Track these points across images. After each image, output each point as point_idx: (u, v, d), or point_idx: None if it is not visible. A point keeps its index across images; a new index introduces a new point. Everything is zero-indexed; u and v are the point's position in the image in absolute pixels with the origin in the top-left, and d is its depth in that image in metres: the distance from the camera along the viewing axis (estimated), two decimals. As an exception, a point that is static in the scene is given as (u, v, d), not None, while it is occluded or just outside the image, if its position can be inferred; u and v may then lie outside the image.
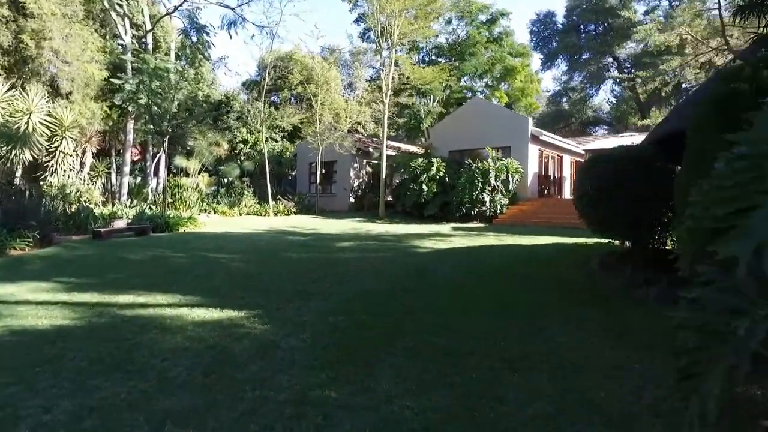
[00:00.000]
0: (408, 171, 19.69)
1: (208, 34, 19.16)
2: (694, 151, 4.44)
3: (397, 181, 22.73)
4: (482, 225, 17.54)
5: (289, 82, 27.87)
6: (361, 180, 24.40)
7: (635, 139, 21.41)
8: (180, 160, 19.15)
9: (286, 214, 21.01)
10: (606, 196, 6.71)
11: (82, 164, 17.39)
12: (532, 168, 19.83)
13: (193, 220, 14.58)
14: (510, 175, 18.45)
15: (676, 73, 37.98)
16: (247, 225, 15.94)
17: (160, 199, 14.72)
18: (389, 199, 22.17)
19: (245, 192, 22.03)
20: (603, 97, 45.37)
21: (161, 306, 5.33)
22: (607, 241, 12.56)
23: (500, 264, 8.68)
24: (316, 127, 22.08)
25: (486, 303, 5.70)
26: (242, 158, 26.42)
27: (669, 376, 3.41)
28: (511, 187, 18.60)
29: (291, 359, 3.79)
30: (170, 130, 14.88)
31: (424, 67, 20.52)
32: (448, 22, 27.71)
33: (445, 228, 16.20)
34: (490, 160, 18.57)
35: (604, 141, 23.30)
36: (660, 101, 39.62)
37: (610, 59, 40.24)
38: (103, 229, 11.44)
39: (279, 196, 22.44)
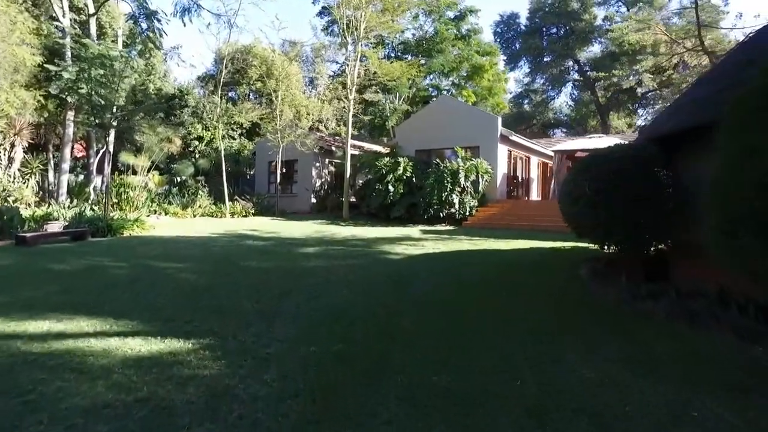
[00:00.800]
0: (373, 171, 18.85)
1: (159, 21, 17.69)
2: (738, 148, 3.78)
3: (361, 182, 21.87)
4: (451, 227, 16.91)
5: (248, 77, 26.53)
6: (323, 180, 23.38)
7: (605, 140, 21.35)
8: (127, 157, 17.59)
9: (243, 216, 19.75)
10: (606, 198, 6.07)
11: (10, 159, 15.61)
12: (501, 169, 19.38)
13: (141, 222, 13.22)
14: (480, 175, 17.90)
15: (633, 78, 38.85)
16: (201, 228, 14.67)
17: (104, 200, 13.25)
18: (353, 200, 21.28)
19: (200, 192, 20.62)
20: (564, 100, 46.04)
21: (85, 336, 4.24)
22: (585, 245, 12.20)
23: (483, 272, 7.96)
24: (276, 124, 20.92)
25: (481, 322, 4.91)
26: (197, 156, 24.88)
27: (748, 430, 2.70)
28: (480, 188, 18.06)
29: (252, 417, 2.85)
30: (115, 124, 13.42)
31: (392, 62, 19.70)
32: (415, 17, 27.05)
33: (413, 231, 15.44)
34: (459, 160, 17.97)
35: (573, 142, 23.19)
36: (618, 105, 40.49)
37: (572, 62, 40.74)
38: (29, 234, 9.97)
39: (236, 197, 21.14)
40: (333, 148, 22.96)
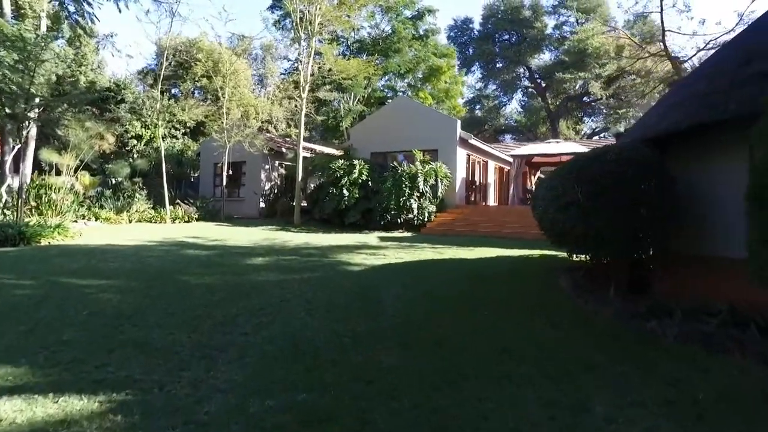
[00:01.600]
0: (327, 174, 17.85)
1: (89, 4, 15.98)
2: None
3: (314, 186, 20.81)
4: (410, 234, 16.17)
5: (193, 73, 24.84)
6: (273, 183, 22.11)
7: (562, 146, 21.36)
8: (49, 155, 15.68)
9: (186, 221, 18.20)
10: (601, 204, 5.43)
11: None
12: (460, 173, 18.88)
13: (63, 229, 11.61)
14: (439, 180, 17.29)
15: (581, 87, 39.87)
16: (137, 235, 13.17)
17: (18, 203, 11.57)
18: (305, 204, 20.17)
19: (137, 195, 18.85)
20: (515, 107, 46.66)
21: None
22: (553, 253, 11.74)
23: (456, 286, 7.20)
24: (222, 122, 19.50)
25: (474, 354, 4.10)
26: (135, 156, 22.97)
27: None
28: (439, 193, 17.45)
29: None
30: (32, 116, 11.75)
31: (348, 58, 18.76)
32: (371, 15, 26.25)
33: (371, 238, 14.57)
34: (418, 163, 17.29)
35: (531, 147, 23.13)
36: (567, 113, 41.41)
37: (523, 69, 41.30)
38: None
39: (178, 201, 19.51)
40: (284, 150, 21.75)
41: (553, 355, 4.12)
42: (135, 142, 23.24)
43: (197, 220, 18.44)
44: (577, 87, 40.03)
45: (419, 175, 16.85)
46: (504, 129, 46.42)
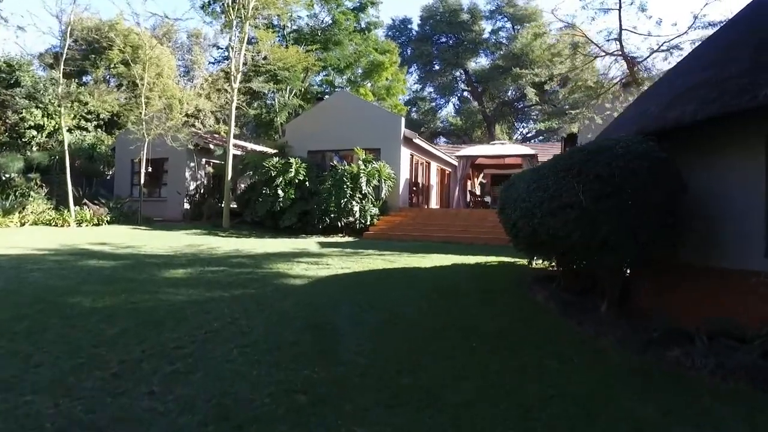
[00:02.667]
0: (260, 173, 16.25)
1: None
2: None
3: (245, 186, 19.10)
4: (352, 239, 14.97)
5: (108, 59, 22.20)
6: (199, 182, 20.07)
7: (508, 147, 20.99)
8: None
9: (95, 225, 15.87)
10: (610, 207, 4.52)
11: None
12: (404, 174, 17.92)
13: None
14: (382, 181, 16.22)
15: (514, 92, 40.55)
16: (26, 241, 11.01)
17: None
18: (235, 206, 18.41)
19: (32, 193, 16.24)
20: (451, 110, 46.66)
21: None
22: (511, 260, 10.99)
23: (422, 304, 6.10)
24: (141, 112, 17.30)
25: (486, 417, 2.98)
26: (33, 148, 20.05)
27: None
28: (383, 194, 16.38)
29: None
30: None
31: (286, 47, 17.16)
32: (310, 3, 24.61)
33: (310, 244, 13.22)
34: (360, 162, 16.14)
35: (477, 148, 22.67)
36: (502, 117, 41.97)
37: (461, 72, 41.33)
38: None
39: (86, 201, 17.05)
40: (212, 146, 19.79)
41: (593, 412, 3.10)
42: (34, 132, 20.30)
43: (109, 223, 16.15)
44: (508, 93, 40.69)
45: (362, 175, 15.70)
46: (440, 132, 46.34)
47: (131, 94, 17.93)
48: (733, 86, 4.39)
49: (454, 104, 45.60)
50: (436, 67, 40.46)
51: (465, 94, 43.10)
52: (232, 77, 16.28)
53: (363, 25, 26.19)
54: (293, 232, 15.95)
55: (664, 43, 11.13)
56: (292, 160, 16.24)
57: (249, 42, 17.49)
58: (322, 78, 26.79)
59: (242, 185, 19.88)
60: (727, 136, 4.82)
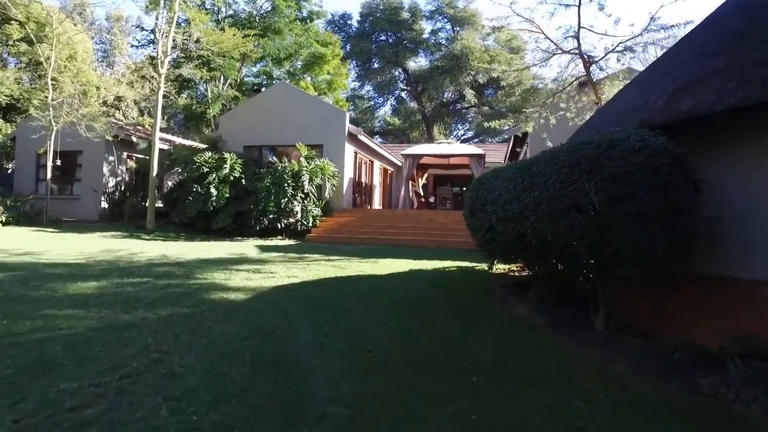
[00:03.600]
0: (190, 169, 14.68)
1: None
2: None
3: (172, 183, 17.37)
4: (293, 242, 13.82)
5: (5, 34, 19.45)
6: (120, 179, 18.00)
7: (455, 147, 20.53)
8: None
9: (-12, 225, 13.63)
10: (628, 211, 3.82)
11: None
12: (348, 172, 16.95)
13: None
14: (326, 179, 15.17)
15: (452, 93, 40.69)
16: None
17: None
18: (161, 205, 16.66)
19: None
20: (389, 109, 46.03)
21: None
22: (469, 264, 10.34)
23: (392, 323, 5.20)
24: (47, 96, 15.10)
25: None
26: None
27: None
28: (326, 194, 15.34)
29: None
30: None
31: (222, 30, 15.50)
32: (249, -12, 22.97)
33: (248, 247, 11.95)
34: (302, 159, 15.00)
35: (423, 147, 22.05)
36: (440, 118, 41.97)
37: (400, 71, 40.85)
38: None
39: (-22, 198, 14.65)
40: (134, 139, 17.80)
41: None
42: None
43: (4, 224, 13.92)
44: (446, 94, 40.78)
45: (304, 172, 14.58)
46: (378, 131, 45.69)
47: (34, 74, 15.60)
48: (758, 74, 3.85)
49: (392, 104, 45.09)
50: (375, 66, 39.74)
51: (404, 94, 42.68)
52: (159, 62, 14.57)
53: (305, 14, 24.79)
54: (228, 234, 14.55)
55: (620, 43, 10.93)
56: (226, 155, 14.81)
57: (178, 24, 15.80)
58: (260, 69, 25.14)
59: (170, 182, 18.09)
60: (735, 130, 4.32)
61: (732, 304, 4.42)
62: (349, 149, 17.04)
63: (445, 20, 38.68)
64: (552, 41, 11.34)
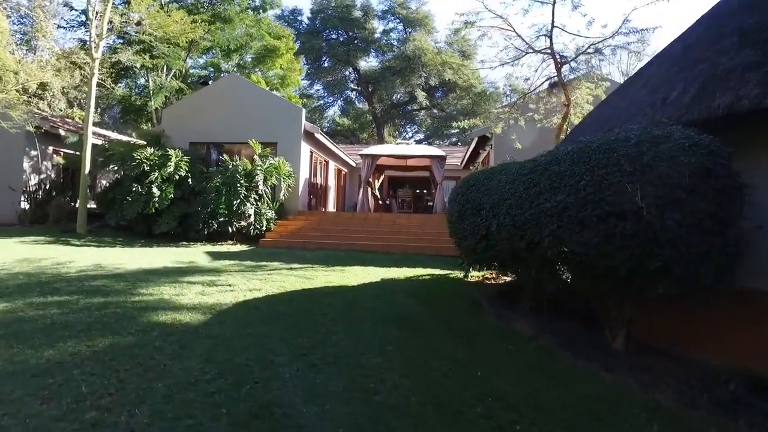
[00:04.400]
0: (129, 166, 13.16)
1: None
2: None
3: (107, 183, 15.69)
4: (247, 247, 12.65)
5: None
6: (44, 176, 16.01)
7: (414, 148, 19.87)
8: None
9: None
10: (683, 220, 3.19)
11: None
12: (304, 173, 15.91)
13: None
14: (282, 180, 14.08)
15: (402, 95, 40.27)
16: None
17: None
18: (93, 206, 14.97)
19: None
20: (339, 109, 44.86)
21: None
22: (442, 272, 9.65)
23: (383, 346, 4.38)
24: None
25: None
26: None
27: None
28: (282, 195, 14.25)
29: None
30: None
31: (168, 12, 13.92)
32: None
33: (197, 254, 10.72)
34: (256, 158, 13.84)
35: (384, 148, 21.27)
36: (391, 119, 41.43)
37: (351, 71, 39.93)
38: None
39: None
40: (62, 132, 15.90)
41: None
42: None
43: None
44: (400, 95, 40.33)
45: (258, 172, 13.43)
46: (327, 132, 44.47)
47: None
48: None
49: (341, 105, 44.00)
50: (326, 64, 38.61)
51: (354, 93, 41.77)
52: (92, 44, 12.94)
53: (257, 3, 23.24)
54: (172, 239, 13.17)
55: (591, 45, 10.65)
56: (171, 151, 13.42)
57: (116, 5, 14.18)
58: (207, 60, 23.38)
59: (104, 181, 16.35)
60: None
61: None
62: (305, 148, 16.01)
63: (398, 21, 38.20)
64: (524, 40, 10.91)
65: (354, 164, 22.89)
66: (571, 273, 4.52)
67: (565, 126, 11.89)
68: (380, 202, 20.14)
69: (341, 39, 38.74)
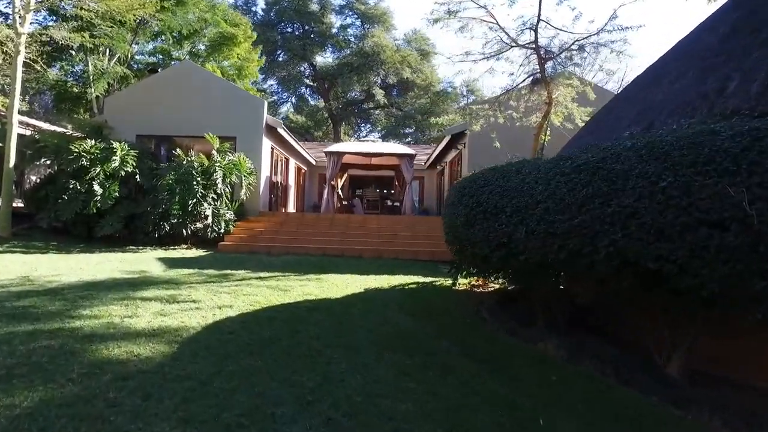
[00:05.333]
0: (65, 160, 11.53)
1: None
2: None
3: (38, 179, 13.92)
4: (204, 252, 11.38)
5: None
6: (-39, 171, 13.96)
7: (381, 146, 18.90)
8: None
9: None
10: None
11: None
12: (265, 170, 14.68)
13: None
14: (243, 178, 12.84)
15: (358, 93, 39.31)
16: None
17: None
18: (21, 205, 13.18)
19: None
20: (292, 105, 43.05)
21: None
22: (429, 279, 8.84)
23: (404, 383, 3.48)
24: None
25: None
26: None
27: None
28: (242, 195, 12.99)
29: None
30: None
31: None
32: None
33: (148, 261, 9.40)
34: (215, 153, 12.53)
35: (350, 145, 20.22)
36: (347, 117, 40.36)
37: (307, 66, 38.50)
38: None
39: None
40: (-18, 121, 13.92)
41: None
42: None
43: None
44: (356, 93, 39.35)
45: (217, 169, 12.14)
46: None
47: None
48: None
49: (292, 102, 42.23)
50: (281, 58, 36.99)
51: (309, 90, 40.24)
52: (17, 16, 11.19)
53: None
54: (117, 242, 11.71)
55: (575, 41, 10.14)
56: (116, 144, 11.89)
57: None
58: (156, 47, 21.35)
59: (34, 177, 14.50)
60: None
61: None
62: (267, 144, 14.78)
63: (355, 16, 37.13)
64: (507, 33, 10.27)
65: (314, 162, 21.75)
66: (626, 289, 3.78)
67: (545, 125, 11.38)
68: (344, 203, 19.11)
69: (297, 33, 37.28)
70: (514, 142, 12.17)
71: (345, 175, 21.83)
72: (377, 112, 41.20)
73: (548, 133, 11.94)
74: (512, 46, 10.38)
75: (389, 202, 19.88)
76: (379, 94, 35.60)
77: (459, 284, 8.28)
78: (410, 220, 14.49)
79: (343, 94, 39.52)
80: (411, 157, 16.13)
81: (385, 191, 23.17)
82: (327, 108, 38.94)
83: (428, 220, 15.12)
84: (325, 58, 38.93)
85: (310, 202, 22.62)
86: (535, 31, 10.04)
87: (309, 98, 41.57)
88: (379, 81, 37.36)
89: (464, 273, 7.72)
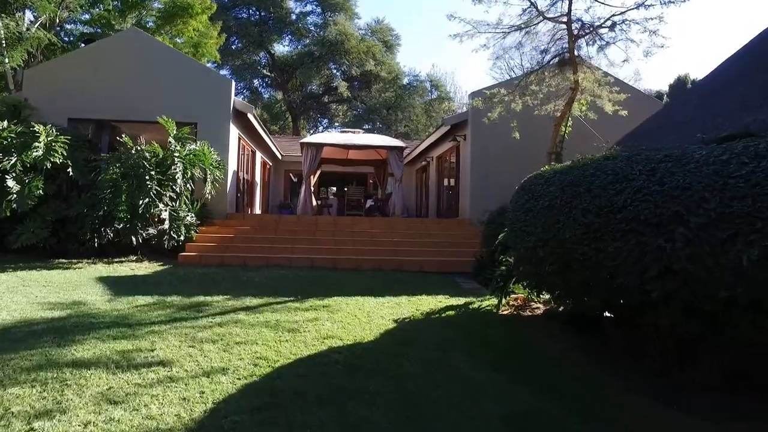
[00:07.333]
0: (-30, 149, 8.76)
1: None
2: None
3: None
4: (161, 267, 8.94)
5: None
6: None
7: (363, 137, 16.57)
8: None
9: None
10: None
11: None
12: (232, 164, 12.23)
13: None
14: (208, 172, 10.42)
15: (318, 87, 36.93)
16: None
17: None
18: None
19: None
20: (245, 97, 39.64)
21: None
22: (462, 302, 6.89)
23: None
24: None
25: None
26: None
27: None
28: (207, 193, 10.56)
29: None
30: None
31: None
32: None
33: (86, 284, 6.95)
34: (171, 141, 10.04)
35: (329, 136, 17.93)
36: (307, 110, 37.81)
37: (264, 54, 35.59)
38: None
39: None
40: None
41: None
42: None
43: None
44: (316, 86, 36.94)
45: (176, 161, 9.69)
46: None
47: None
48: None
49: (244, 94, 39.02)
50: (235, 46, 33.90)
51: (266, 81, 37.26)
52: None
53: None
54: (40, 255, 9.10)
55: (611, 16, 8.46)
56: (38, 128, 9.21)
57: None
58: (94, 14, 17.94)
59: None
60: None
61: None
62: (234, 132, 12.35)
63: (315, 4, 34.60)
64: (533, 4, 8.46)
65: (280, 156, 19.32)
66: None
67: (568, 113, 9.75)
68: (319, 202, 16.83)
69: (253, 18, 34.34)
70: (527, 133, 10.52)
71: (318, 171, 19.55)
72: (338, 105, 38.90)
73: (570, 123, 10.33)
74: (541, 20, 8.59)
75: (372, 202, 17.75)
76: (342, 87, 33.29)
77: (503, 308, 6.43)
78: (405, 224, 12.50)
79: (299, 86, 36.94)
80: (400, 150, 14.14)
81: (370, 191, 21.07)
82: (285, 100, 36.25)
83: (425, 223, 13.22)
84: (284, 47, 36.23)
85: (275, 202, 20.19)
86: (569, 1, 8.28)
87: (264, 89, 38.57)
88: (341, 73, 35.13)
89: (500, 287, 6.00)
